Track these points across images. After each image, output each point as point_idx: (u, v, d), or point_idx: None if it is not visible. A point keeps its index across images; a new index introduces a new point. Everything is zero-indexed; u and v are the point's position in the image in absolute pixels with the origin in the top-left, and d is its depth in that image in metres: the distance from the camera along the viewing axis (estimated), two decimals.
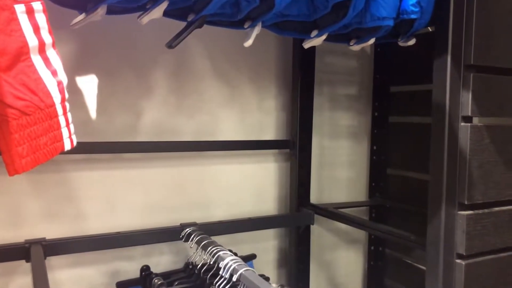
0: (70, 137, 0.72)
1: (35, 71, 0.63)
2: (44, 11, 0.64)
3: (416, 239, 1.02)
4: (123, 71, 1.12)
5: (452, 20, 0.85)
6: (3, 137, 0.59)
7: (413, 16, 0.86)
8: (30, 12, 0.62)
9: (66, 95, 0.69)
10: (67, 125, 0.71)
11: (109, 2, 0.71)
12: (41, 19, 0.63)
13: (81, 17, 0.76)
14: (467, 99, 0.86)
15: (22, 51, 0.61)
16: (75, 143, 0.73)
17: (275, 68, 1.35)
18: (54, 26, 0.67)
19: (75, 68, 1.06)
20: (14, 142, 0.60)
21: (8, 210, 1.01)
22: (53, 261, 1.05)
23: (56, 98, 0.68)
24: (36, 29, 0.63)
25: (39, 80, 0.64)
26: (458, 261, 0.87)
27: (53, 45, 0.67)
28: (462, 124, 0.86)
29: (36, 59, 0.64)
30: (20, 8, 0.60)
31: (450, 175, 0.87)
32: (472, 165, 0.86)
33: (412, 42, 0.99)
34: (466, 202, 0.86)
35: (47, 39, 0.65)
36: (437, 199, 0.89)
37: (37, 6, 0.63)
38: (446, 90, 0.87)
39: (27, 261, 0.94)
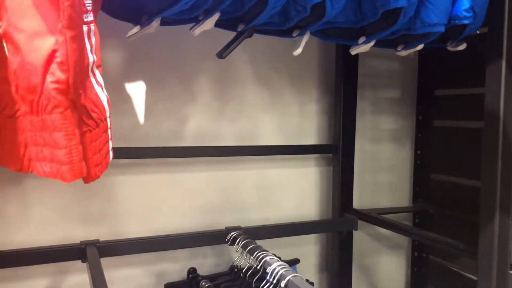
0: (111, 149, 0.74)
1: (93, 86, 0.65)
2: (95, 32, 0.66)
3: (466, 247, 0.99)
4: (168, 78, 1.15)
5: (507, 24, 0.82)
6: (85, 145, 0.61)
7: (465, 22, 0.84)
8: (89, 32, 0.64)
9: (110, 110, 0.72)
10: (111, 138, 0.73)
11: (163, 15, 0.74)
12: (93, 39, 0.65)
13: (136, 29, 0.79)
14: None
15: (88, 68, 0.64)
16: (112, 156, 0.75)
17: (317, 72, 1.35)
18: (104, 34, 0.69)
19: (123, 75, 1.10)
20: (92, 150, 0.62)
21: (58, 213, 1.06)
22: (102, 261, 1.09)
23: (107, 112, 0.69)
24: (91, 49, 0.65)
25: (96, 95, 0.66)
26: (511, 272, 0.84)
27: (98, 64, 0.69)
28: None
29: (91, 76, 0.66)
30: (85, 28, 0.62)
31: (503, 183, 0.85)
32: None
33: (462, 47, 0.97)
34: None
35: (96, 58, 0.67)
36: (490, 208, 0.87)
37: (93, 27, 0.65)
38: (500, 95, 0.85)
39: (83, 261, 0.99)
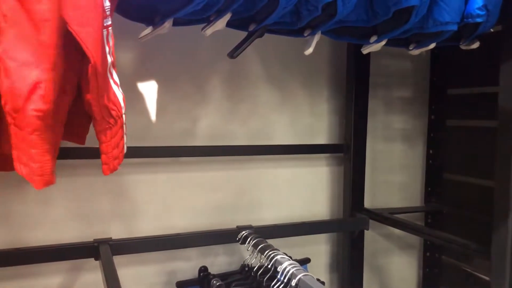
0: (126, 142, 0.80)
1: (111, 86, 0.70)
2: (112, 34, 0.70)
3: (478, 248, 0.99)
4: (181, 78, 1.16)
5: None
6: (106, 141, 0.69)
7: (478, 20, 0.83)
8: (107, 36, 0.69)
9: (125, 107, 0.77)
10: (125, 132, 0.79)
11: (176, 16, 0.74)
12: (111, 41, 0.70)
13: (148, 30, 0.80)
14: None
15: (107, 69, 0.69)
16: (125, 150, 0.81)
17: (328, 72, 1.35)
18: (118, 35, 0.72)
19: (136, 75, 1.11)
20: (112, 145, 0.70)
21: (71, 211, 1.07)
22: (115, 259, 1.11)
23: (123, 109, 0.75)
24: (109, 50, 0.70)
25: (114, 93, 0.71)
26: None
27: (114, 64, 0.73)
28: None
29: (109, 76, 0.70)
30: (105, 33, 0.67)
31: None
32: None
33: (475, 45, 0.96)
34: None
35: (112, 58, 0.72)
36: (503, 208, 0.86)
37: (110, 30, 0.70)
38: None
39: (96, 259, 1.00)
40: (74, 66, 0.69)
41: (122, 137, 0.74)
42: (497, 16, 0.86)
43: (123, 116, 0.76)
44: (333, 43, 1.34)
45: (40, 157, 0.61)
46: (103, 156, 0.71)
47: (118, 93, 0.72)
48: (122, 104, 0.74)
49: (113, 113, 0.70)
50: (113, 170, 0.71)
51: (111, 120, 0.70)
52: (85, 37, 0.61)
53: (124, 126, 0.78)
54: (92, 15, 0.62)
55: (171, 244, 1.08)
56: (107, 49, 0.67)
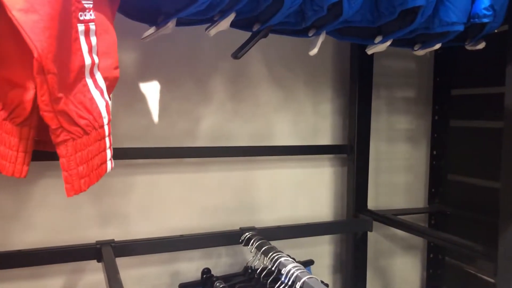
0: (111, 159, 0.69)
1: (88, 90, 0.62)
2: (96, 32, 0.63)
3: (485, 250, 0.98)
4: (183, 78, 1.15)
5: None
6: (67, 155, 0.59)
7: (485, 20, 0.82)
8: (87, 32, 0.61)
9: (110, 117, 0.68)
10: (110, 146, 0.68)
11: (179, 16, 0.74)
12: (94, 40, 0.63)
13: (152, 30, 0.79)
14: None
15: (81, 70, 0.61)
16: (113, 166, 0.70)
17: (331, 72, 1.34)
18: (120, 35, 0.68)
19: (138, 75, 1.10)
20: (76, 161, 0.59)
21: (73, 212, 1.07)
22: (117, 261, 1.10)
23: (105, 118, 0.65)
24: (90, 50, 0.63)
25: (92, 99, 0.63)
26: None
27: (115, 66, 0.67)
28: None
29: (88, 79, 0.63)
30: (80, 28, 0.60)
31: None
32: None
33: (481, 46, 0.95)
34: None
35: (96, 60, 0.64)
36: (509, 209, 0.85)
37: (93, 26, 0.62)
38: None
39: (98, 261, 0.99)
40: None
41: (102, 151, 0.64)
42: (503, 16, 0.85)
43: (105, 126, 0.65)
44: (336, 43, 1.33)
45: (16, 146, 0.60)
46: (63, 174, 0.58)
47: (100, 100, 0.63)
48: (104, 113, 0.64)
49: (82, 122, 0.60)
50: (79, 191, 0.59)
51: (75, 130, 0.59)
52: (28, 24, 0.51)
53: (107, 139, 0.66)
54: (40, 1, 0.52)
55: (173, 246, 1.07)
56: (84, 48, 0.60)
